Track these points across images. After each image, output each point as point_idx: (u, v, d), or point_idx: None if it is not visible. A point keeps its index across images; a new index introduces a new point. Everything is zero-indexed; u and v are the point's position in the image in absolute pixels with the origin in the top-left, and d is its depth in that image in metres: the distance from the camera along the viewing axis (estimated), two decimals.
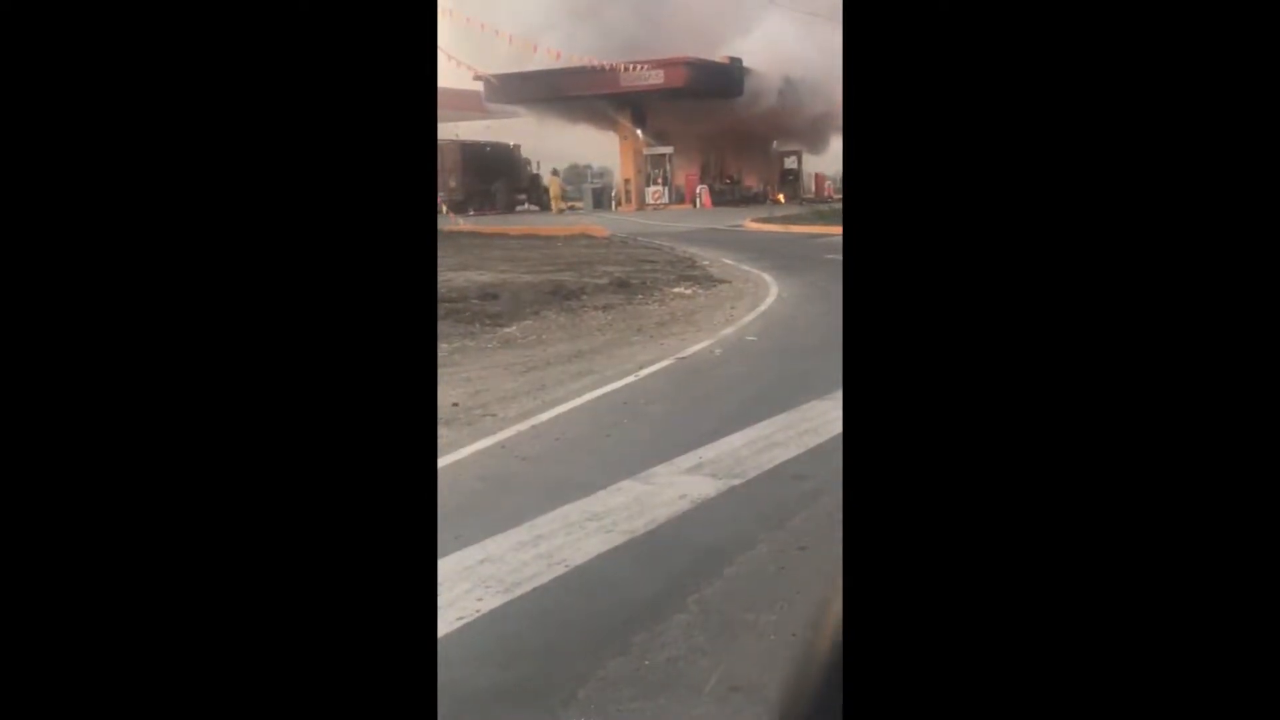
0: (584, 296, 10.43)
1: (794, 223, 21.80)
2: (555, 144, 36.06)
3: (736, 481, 4.19)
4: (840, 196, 32.45)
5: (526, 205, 34.72)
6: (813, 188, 36.42)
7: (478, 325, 8.63)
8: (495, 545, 3.51)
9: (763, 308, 9.56)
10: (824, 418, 5.10)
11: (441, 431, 4.93)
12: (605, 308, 9.74)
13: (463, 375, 6.59)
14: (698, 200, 33.06)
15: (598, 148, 36.95)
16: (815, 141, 35.89)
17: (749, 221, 23.30)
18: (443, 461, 4.52)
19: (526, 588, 3.18)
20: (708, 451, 4.60)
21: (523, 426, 5.26)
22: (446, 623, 2.87)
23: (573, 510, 3.86)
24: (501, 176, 34.22)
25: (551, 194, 33.98)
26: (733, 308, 9.65)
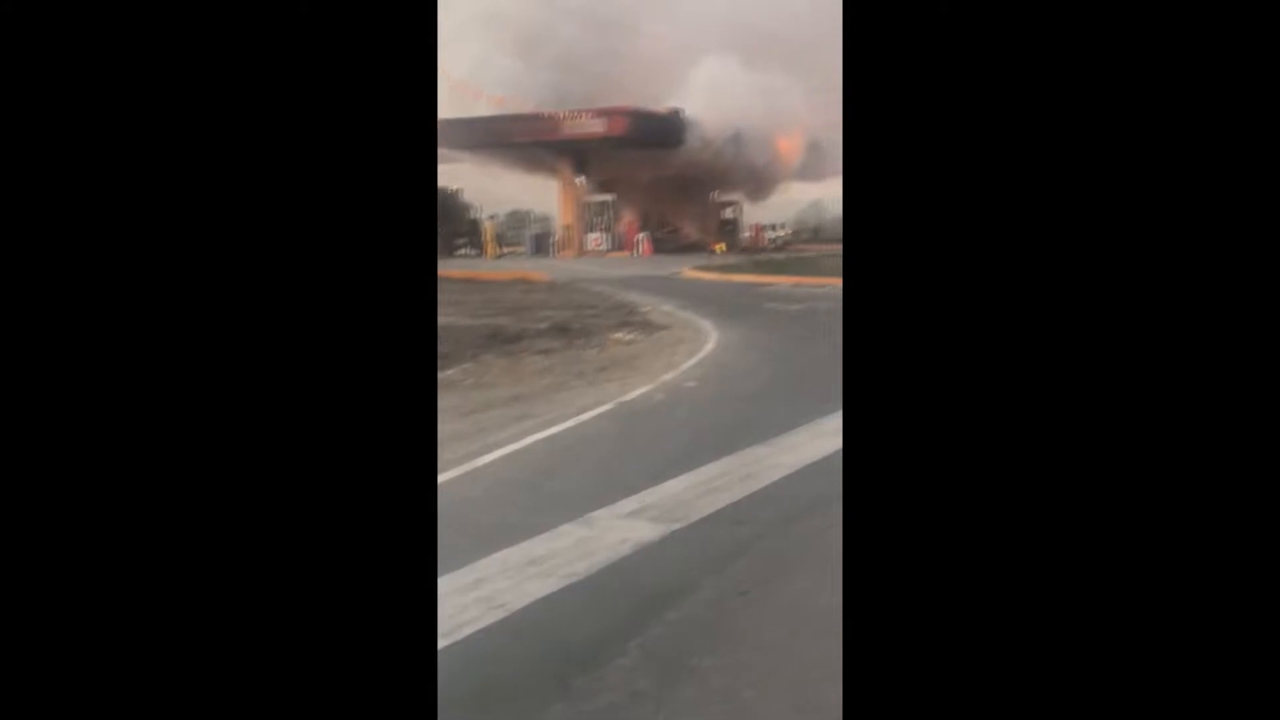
0: (523, 341, 10.40)
1: (732, 272, 22.04)
2: (497, 190, 36.15)
3: (677, 526, 4.19)
4: (775, 247, 32.94)
5: (466, 250, 34.67)
6: (751, 237, 36.89)
7: None
8: None
9: (703, 354, 9.62)
10: (762, 463, 5.14)
11: None
12: (545, 352, 9.71)
13: None
14: (638, 248, 33.29)
15: (540, 194, 37.13)
16: (756, 192, 36.42)
17: (687, 270, 23.51)
18: None
19: (466, 631, 3.13)
20: (649, 496, 4.60)
21: (462, 470, 5.21)
22: None
23: (513, 554, 3.82)
24: (441, 221, 34.16)
25: (486, 239, 33.98)
26: (673, 354, 9.69)
